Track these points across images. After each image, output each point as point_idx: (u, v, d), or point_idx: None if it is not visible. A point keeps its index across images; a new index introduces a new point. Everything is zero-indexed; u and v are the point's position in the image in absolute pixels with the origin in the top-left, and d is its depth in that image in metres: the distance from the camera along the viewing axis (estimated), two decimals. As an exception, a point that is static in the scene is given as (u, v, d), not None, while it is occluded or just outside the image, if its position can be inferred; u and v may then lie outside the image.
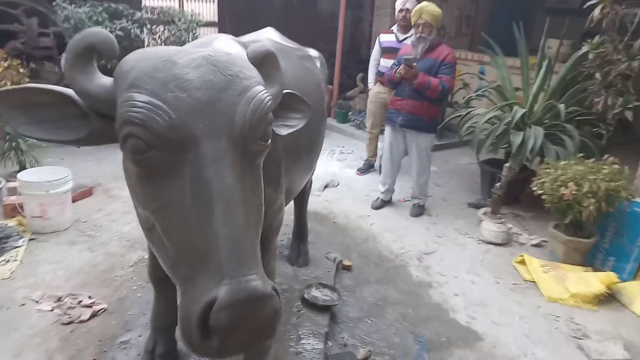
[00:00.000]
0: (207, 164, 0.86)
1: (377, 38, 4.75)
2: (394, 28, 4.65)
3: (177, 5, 10.16)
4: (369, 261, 3.18)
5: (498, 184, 3.50)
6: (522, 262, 3.19)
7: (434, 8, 3.57)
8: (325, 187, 4.49)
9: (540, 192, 3.17)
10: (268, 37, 2.38)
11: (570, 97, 3.87)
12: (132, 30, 4.36)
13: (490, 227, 3.51)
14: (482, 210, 3.87)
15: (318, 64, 2.39)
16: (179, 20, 4.82)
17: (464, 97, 6.51)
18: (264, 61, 1.09)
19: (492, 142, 3.89)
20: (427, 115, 3.68)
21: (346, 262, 3.07)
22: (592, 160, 3.17)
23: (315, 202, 4.09)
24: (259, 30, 2.50)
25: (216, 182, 0.86)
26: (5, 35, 5.22)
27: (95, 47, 0.89)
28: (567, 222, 3.08)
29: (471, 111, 4.19)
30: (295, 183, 1.99)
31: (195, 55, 0.91)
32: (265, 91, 0.97)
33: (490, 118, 4.02)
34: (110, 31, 4.30)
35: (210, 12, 10.60)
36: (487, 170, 4.25)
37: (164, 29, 4.76)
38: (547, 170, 3.21)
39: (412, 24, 3.66)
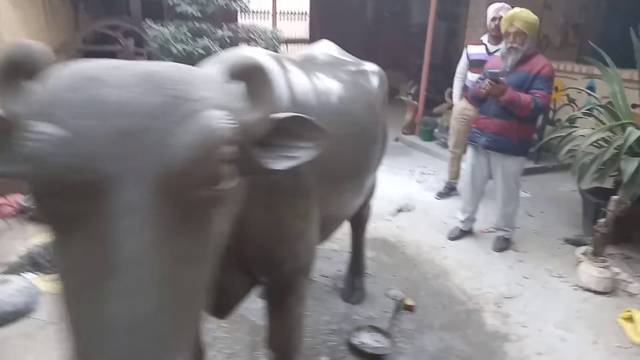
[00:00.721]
0: (115, 217, 0.64)
1: (465, 50, 4.36)
2: (484, 38, 4.23)
3: (270, 24, 10.57)
4: (436, 302, 2.79)
5: (603, 220, 2.91)
6: (630, 319, 2.58)
7: (528, 15, 3.11)
8: (399, 211, 4.15)
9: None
10: (322, 50, 2.17)
11: None
12: (212, 50, 4.43)
13: (591, 271, 2.92)
14: (582, 249, 3.27)
15: (376, 81, 2.11)
16: (259, 37, 4.83)
17: (569, 115, 5.77)
18: (249, 77, 0.87)
19: (598, 168, 3.28)
20: (515, 135, 3.20)
21: (409, 302, 2.71)
22: None
23: (384, 228, 3.78)
24: (314, 44, 2.31)
25: (121, 245, 0.63)
26: (108, 55, 5.68)
27: (14, 61, 0.74)
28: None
29: (574, 131, 3.60)
30: (336, 213, 1.73)
31: (134, 71, 0.71)
32: (221, 117, 0.73)
33: (597, 140, 3.41)
34: (193, 50, 4.44)
35: (302, 29, 10.82)
36: (591, 202, 3.60)
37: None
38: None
39: (502, 33, 3.23)
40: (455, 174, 4.55)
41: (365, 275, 2.83)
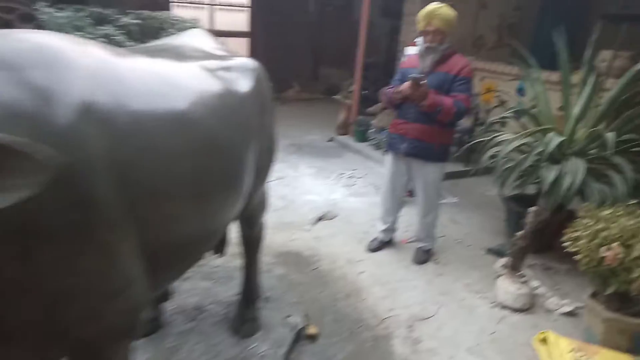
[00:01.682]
0: None
1: (404, 51, 4.13)
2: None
3: (206, 16, 10.02)
4: (343, 328, 2.50)
5: (520, 233, 2.73)
6: (545, 341, 2.41)
7: (447, 11, 2.88)
8: (319, 220, 3.86)
9: (573, 249, 2.39)
10: (185, 40, 1.82)
11: (623, 123, 3.03)
12: (116, 38, 3.93)
13: (508, 288, 2.74)
14: (502, 261, 3.10)
15: (248, 80, 1.76)
16: (172, 26, 4.37)
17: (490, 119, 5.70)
18: None
19: (519, 175, 3.12)
20: (437, 141, 2.99)
21: (311, 330, 2.41)
22: (647, 211, 2.35)
23: (301, 240, 3.47)
24: (188, 31, 1.94)
25: None
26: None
27: None
28: (610, 293, 2.28)
29: (496, 136, 3.43)
30: (184, 244, 1.36)
31: None
32: None
33: (520, 146, 3.25)
34: (93, 38, 3.92)
35: (242, 22, 10.33)
36: (513, 210, 3.46)
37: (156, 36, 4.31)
38: (584, 221, 2.42)
39: (420, 31, 2.99)
40: None
41: (265, 300, 2.51)
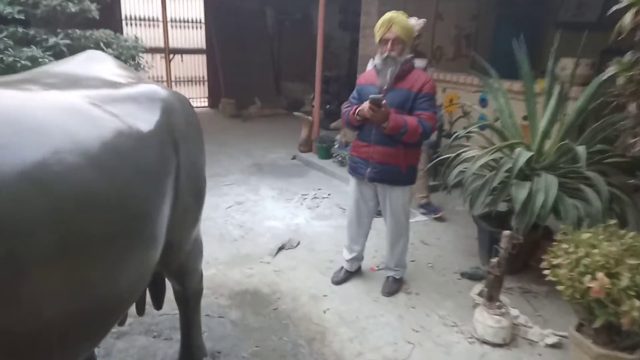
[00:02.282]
0: None
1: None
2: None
3: (161, 35, 9.63)
4: (305, 382, 2.20)
5: (494, 261, 2.51)
6: (532, 383, 2.18)
7: (405, 19, 2.67)
8: (280, 249, 3.55)
9: (553, 278, 2.18)
10: (77, 65, 1.50)
11: (593, 134, 2.88)
12: (42, 60, 3.55)
13: (486, 321, 2.50)
14: (477, 288, 2.87)
15: (155, 110, 1.42)
16: (109, 46, 4.01)
17: (464, 127, 5.58)
18: None
19: (488, 194, 2.92)
20: (403, 163, 2.74)
21: (269, 388, 2.10)
22: (630, 233, 2.16)
23: (259, 275, 3.15)
24: (80, 54, 1.62)
25: None
26: None
27: None
28: (598, 326, 2.08)
29: (461, 153, 3.23)
30: (61, 314, 1.02)
31: None
32: None
33: (487, 162, 3.05)
34: (15, 61, 3.53)
35: (197, 38, 10.00)
36: (485, 229, 3.26)
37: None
38: (563, 245, 2.22)
39: (378, 40, 2.75)
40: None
41: (213, 358, 2.18)
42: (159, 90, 1.52)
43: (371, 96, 2.55)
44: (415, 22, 3.69)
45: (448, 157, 3.33)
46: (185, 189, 1.52)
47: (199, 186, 1.70)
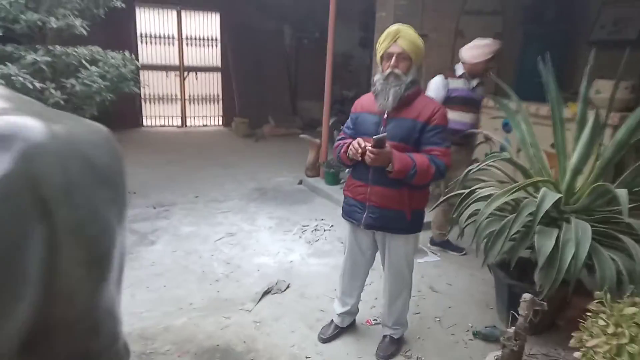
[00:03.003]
0: None
1: (439, 81, 3.63)
2: (458, 68, 3.67)
3: (177, 53, 9.50)
4: None
5: (511, 330, 2.01)
6: None
7: (414, 33, 2.24)
8: (266, 293, 3.12)
9: (587, 364, 1.68)
10: None
11: (636, 173, 2.38)
12: (20, 80, 3.29)
13: (500, 405, 2.01)
14: (492, 356, 2.37)
15: (5, 154, 1.04)
16: (94, 64, 3.73)
17: (486, 154, 5.08)
18: None
19: (506, 242, 2.44)
20: (408, 208, 2.27)
21: None
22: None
23: (235, 327, 2.73)
24: None
25: None
26: None
27: None
28: None
29: (475, 189, 2.76)
30: None
31: None
32: None
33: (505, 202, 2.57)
34: (-13, 80, 3.28)
35: (213, 56, 9.83)
36: (503, 281, 2.76)
37: (74, 79, 3.64)
38: (599, 322, 1.72)
39: (379, 55, 2.27)
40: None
41: None
42: (21, 126, 1.13)
43: (375, 137, 2.07)
44: (488, 43, 3.46)
45: (460, 194, 2.86)
46: (71, 261, 1.12)
47: (99, 252, 1.30)
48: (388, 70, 2.20)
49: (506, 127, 4.85)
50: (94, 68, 3.61)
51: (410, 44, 2.18)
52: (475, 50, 3.54)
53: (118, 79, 3.82)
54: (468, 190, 2.84)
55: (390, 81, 2.19)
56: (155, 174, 5.86)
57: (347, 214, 2.44)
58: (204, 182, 5.63)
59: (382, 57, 2.25)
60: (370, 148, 2.09)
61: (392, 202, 2.26)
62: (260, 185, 5.66)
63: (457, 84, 3.56)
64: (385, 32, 2.22)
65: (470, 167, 2.85)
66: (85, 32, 3.79)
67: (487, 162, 2.63)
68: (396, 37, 2.17)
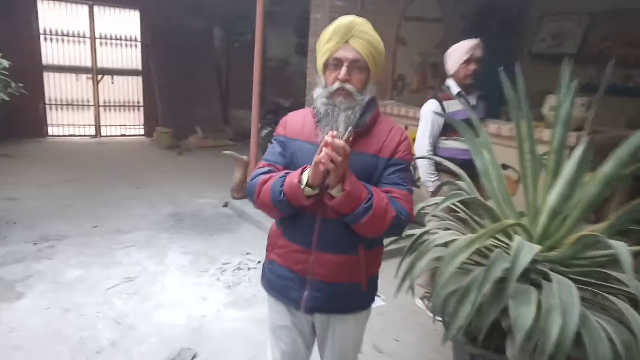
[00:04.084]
0: None
1: (434, 108, 2.94)
2: (452, 87, 2.98)
3: (89, 55, 8.37)
4: None
5: None
6: None
7: (373, 32, 1.53)
8: (163, 370, 2.37)
9: None
10: None
11: (627, 216, 1.89)
12: None
13: None
14: None
15: None
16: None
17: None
18: None
19: (473, 308, 1.87)
20: (364, 276, 1.59)
21: None
22: None
23: None
24: None
25: None
26: None
27: None
28: None
29: (427, 232, 2.19)
30: None
31: None
32: None
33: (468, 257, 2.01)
34: None
35: (132, 58, 8.78)
36: (465, 350, 2.20)
37: None
38: None
39: (322, 61, 1.52)
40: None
41: None
42: None
43: (350, 128, 1.42)
44: (461, 44, 2.93)
45: (412, 236, 2.27)
46: None
47: None
48: (335, 85, 1.47)
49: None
50: None
51: (368, 47, 1.47)
52: (451, 57, 2.97)
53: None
54: (420, 231, 2.27)
55: (339, 102, 1.47)
56: (49, 197, 4.88)
57: (277, 290, 1.65)
58: (109, 206, 4.73)
59: (325, 64, 1.51)
60: (338, 141, 1.29)
61: (345, 272, 1.55)
62: (177, 209, 4.84)
63: (455, 106, 2.93)
64: (332, 27, 1.49)
65: (422, 205, 2.27)
66: None
67: (446, 203, 2.05)
68: (348, 35, 1.46)
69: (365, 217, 1.40)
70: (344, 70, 1.45)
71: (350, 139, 1.41)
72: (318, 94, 1.52)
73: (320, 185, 1.41)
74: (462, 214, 2.35)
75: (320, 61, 1.52)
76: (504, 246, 2.04)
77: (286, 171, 1.50)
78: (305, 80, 7.13)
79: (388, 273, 3.42)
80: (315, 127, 1.52)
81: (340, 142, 1.30)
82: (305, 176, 1.41)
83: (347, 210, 1.40)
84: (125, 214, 4.54)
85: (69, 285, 3.14)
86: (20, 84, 3.41)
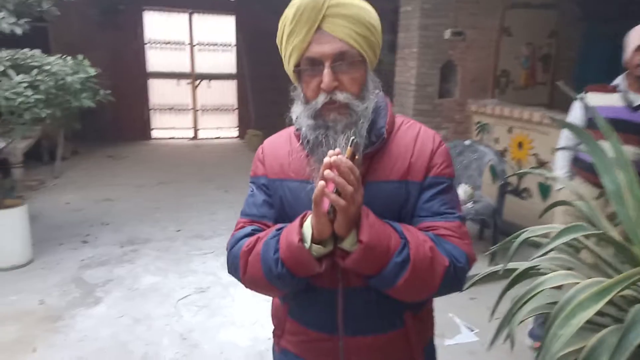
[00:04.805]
0: None
1: (580, 99, 2.40)
2: (620, 82, 2.34)
3: (188, 61, 8.75)
4: None
5: None
6: None
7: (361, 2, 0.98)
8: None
9: None
10: None
11: None
12: None
13: None
14: None
15: None
16: (26, 72, 2.89)
17: (539, 184, 3.97)
18: None
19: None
20: (418, 349, 1.08)
21: None
22: None
23: None
24: None
25: None
26: None
27: None
28: None
29: (533, 267, 1.71)
30: None
31: None
32: None
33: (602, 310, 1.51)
34: None
35: (227, 63, 9.02)
36: None
37: None
38: None
39: (292, 61, 0.99)
40: None
41: None
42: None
43: (352, 138, 0.88)
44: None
45: (512, 270, 1.81)
46: None
47: None
48: (321, 98, 0.96)
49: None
50: (19, 77, 2.78)
51: (354, 27, 0.94)
52: (628, 41, 2.30)
53: (60, 89, 2.99)
54: (524, 265, 1.79)
55: (332, 120, 0.96)
56: (141, 199, 5.06)
57: None
58: (194, 210, 4.77)
59: (297, 73, 1.00)
60: (344, 159, 0.83)
61: (392, 354, 1.07)
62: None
63: (605, 100, 2.34)
64: (291, 12, 0.95)
65: (523, 232, 1.80)
66: (19, 32, 2.99)
67: (560, 242, 1.55)
68: (318, 16, 0.93)
69: (401, 278, 0.90)
70: (327, 74, 0.93)
71: (357, 157, 0.90)
72: (298, 113, 1.01)
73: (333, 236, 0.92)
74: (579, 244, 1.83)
75: (288, 67, 1.01)
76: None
77: (277, 227, 1.00)
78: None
79: (483, 301, 2.93)
80: (303, 158, 1.03)
81: (347, 161, 0.83)
82: (307, 228, 0.92)
83: (371, 271, 0.91)
84: (207, 219, 4.53)
85: (143, 293, 3.12)
86: (108, 91, 3.44)
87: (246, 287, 1.05)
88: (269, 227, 1.05)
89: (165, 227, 4.30)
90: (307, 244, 0.91)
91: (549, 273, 1.65)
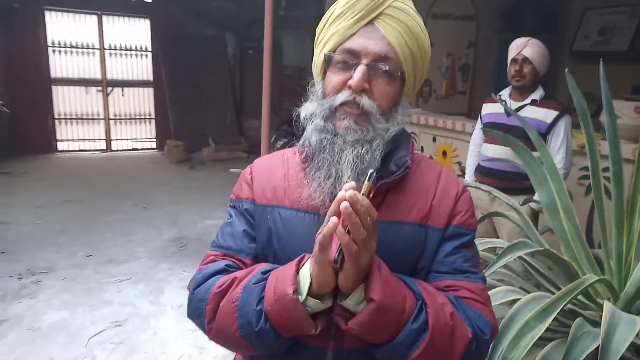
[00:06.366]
0: None
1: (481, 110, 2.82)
2: (504, 93, 2.74)
3: (98, 66, 8.09)
4: None
5: None
6: None
7: (412, 9, 0.86)
8: None
9: None
10: None
11: None
12: None
13: None
14: None
15: None
16: None
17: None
18: None
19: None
20: None
21: None
22: None
23: None
24: None
25: None
26: None
27: None
28: None
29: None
30: None
31: None
32: None
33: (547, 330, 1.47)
34: None
35: (142, 69, 8.47)
36: None
37: None
38: None
39: (325, 50, 0.85)
40: None
41: None
42: None
43: (371, 171, 0.71)
44: (522, 42, 2.63)
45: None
46: None
47: None
48: (343, 95, 0.81)
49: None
50: None
51: (407, 37, 0.82)
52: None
53: None
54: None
55: (344, 128, 0.82)
56: (43, 221, 4.50)
57: None
58: (107, 231, 4.33)
59: (329, 59, 0.84)
60: (361, 197, 0.67)
61: None
62: (181, 233, 4.41)
63: (490, 109, 2.73)
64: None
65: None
66: None
67: (507, 260, 1.49)
68: (376, 10, 0.81)
69: (415, 350, 0.72)
70: (360, 70, 0.79)
71: (372, 194, 0.72)
72: (309, 111, 0.85)
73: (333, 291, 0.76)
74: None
75: (319, 55, 0.87)
76: (579, 305, 1.50)
77: (261, 269, 0.80)
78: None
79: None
80: (300, 178, 0.86)
81: (365, 199, 0.68)
82: (304, 277, 0.75)
83: (379, 338, 0.74)
84: (122, 241, 4.13)
85: (45, 333, 2.71)
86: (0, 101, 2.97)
87: (210, 338, 0.83)
88: (246, 264, 0.86)
89: (72, 252, 3.84)
90: (302, 297, 0.73)
91: (490, 289, 1.60)
